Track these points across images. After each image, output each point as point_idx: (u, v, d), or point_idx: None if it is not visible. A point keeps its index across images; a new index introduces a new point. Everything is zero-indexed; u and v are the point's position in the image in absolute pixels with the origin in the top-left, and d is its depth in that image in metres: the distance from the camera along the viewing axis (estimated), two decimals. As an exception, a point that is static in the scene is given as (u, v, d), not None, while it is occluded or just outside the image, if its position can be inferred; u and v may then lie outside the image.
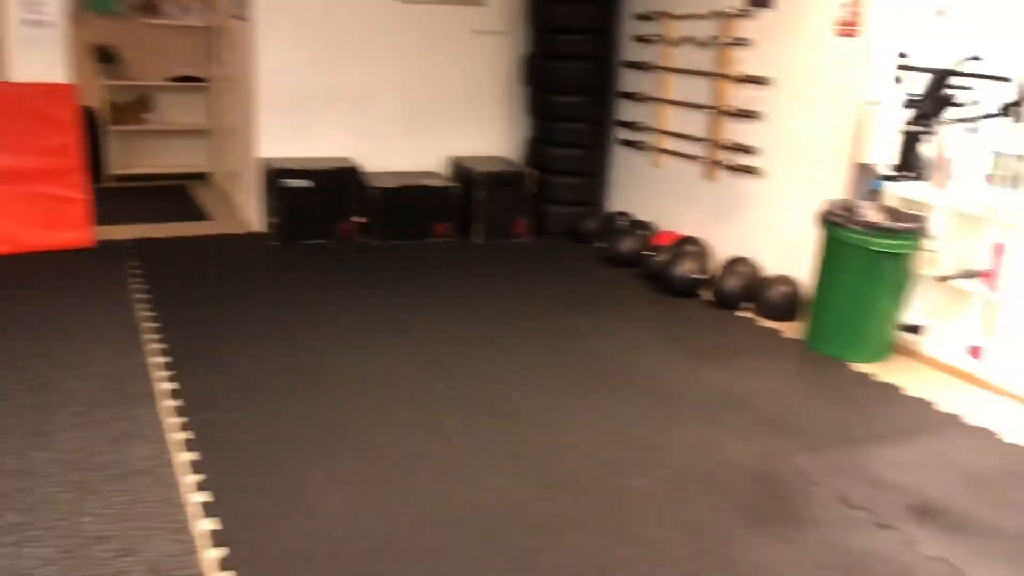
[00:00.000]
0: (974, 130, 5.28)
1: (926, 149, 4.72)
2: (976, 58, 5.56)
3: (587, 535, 2.87)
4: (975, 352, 4.36)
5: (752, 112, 5.32)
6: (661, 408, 3.84)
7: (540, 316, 4.89)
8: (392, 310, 4.86)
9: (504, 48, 6.66)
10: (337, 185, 6.07)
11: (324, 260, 5.74)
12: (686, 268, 5.33)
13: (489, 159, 6.68)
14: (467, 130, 6.73)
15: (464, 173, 6.41)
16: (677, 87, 5.95)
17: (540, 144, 6.63)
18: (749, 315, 5.07)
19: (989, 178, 4.25)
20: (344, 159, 6.24)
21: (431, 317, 4.78)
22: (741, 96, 5.41)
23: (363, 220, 6.14)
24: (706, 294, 5.28)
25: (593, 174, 6.68)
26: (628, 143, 6.45)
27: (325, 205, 6.04)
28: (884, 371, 4.36)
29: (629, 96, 6.37)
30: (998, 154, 4.23)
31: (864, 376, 4.31)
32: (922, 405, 4.03)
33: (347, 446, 3.35)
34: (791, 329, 4.85)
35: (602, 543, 2.83)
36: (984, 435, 3.76)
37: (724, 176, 5.62)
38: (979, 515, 3.11)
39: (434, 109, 6.58)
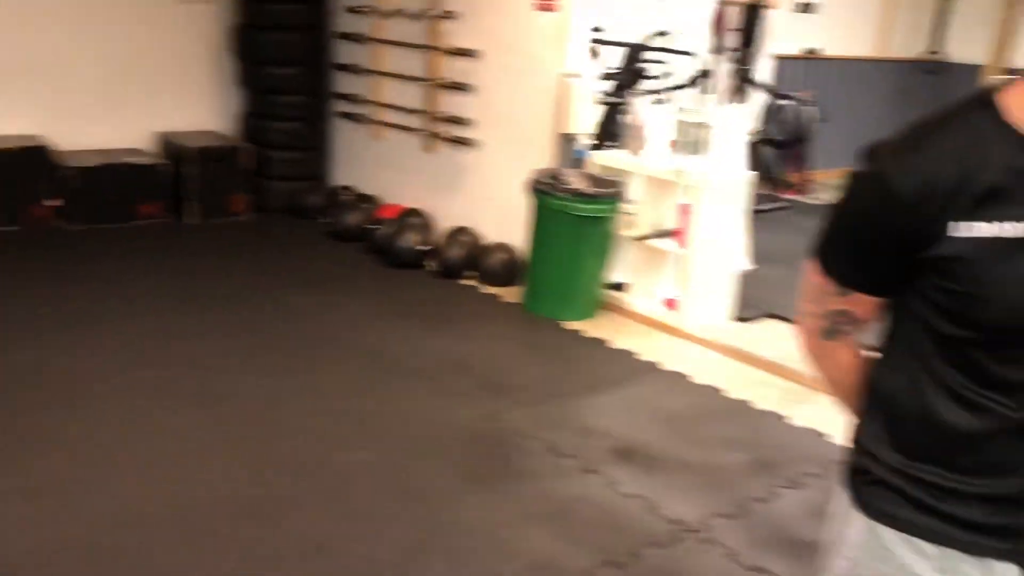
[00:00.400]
0: (664, 100, 5.75)
1: (623, 119, 5.06)
2: (663, 33, 6.03)
3: (306, 516, 2.83)
4: (670, 304, 4.77)
5: (464, 84, 5.44)
6: (385, 379, 3.86)
7: (262, 296, 4.74)
8: (90, 298, 4.50)
9: (212, 18, 6.32)
10: (24, 166, 5.50)
11: (9, 248, 5.20)
12: (410, 240, 5.38)
13: (201, 134, 6.33)
14: (176, 104, 6.34)
15: (173, 149, 6.04)
16: (392, 59, 5.95)
17: (256, 118, 6.38)
18: (472, 283, 5.21)
19: (673, 144, 4.63)
20: (31, 137, 5.66)
21: (137, 303, 4.48)
22: (453, 68, 5.51)
23: (57, 203, 5.62)
24: (430, 265, 5.36)
25: (313, 148, 6.54)
26: (347, 116, 6.37)
27: (11, 188, 5.46)
28: (593, 327, 4.66)
29: (345, 68, 6.28)
30: (681, 122, 4.61)
31: (575, 333, 4.58)
32: (626, 356, 4.35)
33: (37, 448, 3.07)
34: (511, 294, 5.04)
35: (322, 522, 2.81)
36: (678, 379, 4.13)
37: (442, 148, 5.72)
38: (673, 452, 3.42)
39: (138, 83, 6.13)
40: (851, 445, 1.38)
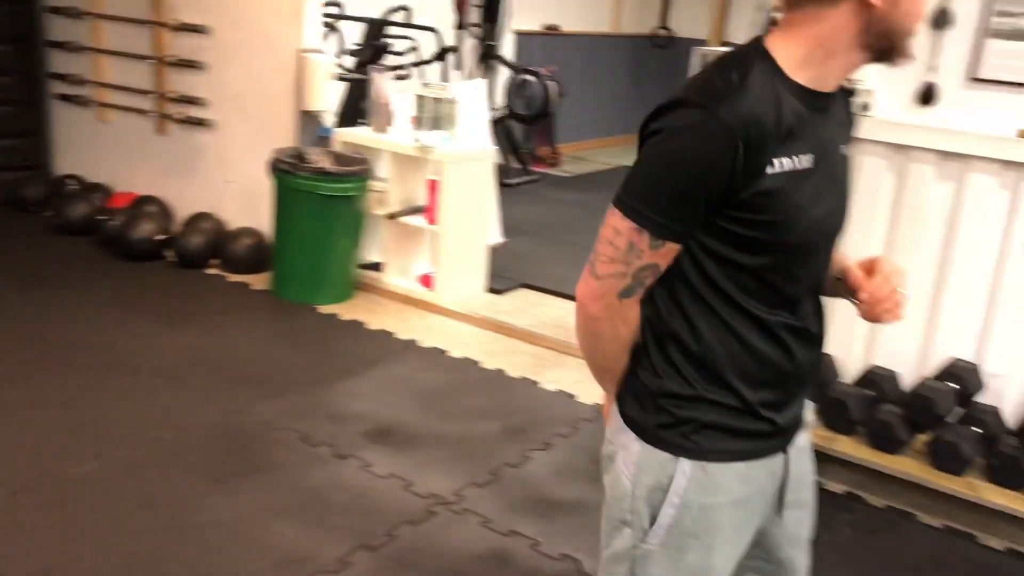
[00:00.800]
0: (409, 76, 5.71)
1: (368, 95, 4.97)
2: (403, 8, 5.98)
3: (26, 542, 2.56)
4: (426, 280, 4.77)
5: (195, 62, 5.12)
6: (118, 381, 3.57)
7: (-30, 301, 4.24)
8: None
9: None
10: None
11: None
12: (146, 230, 5.01)
13: None
14: None
15: None
16: (113, 35, 5.49)
17: (-43, 102, 5.69)
18: (217, 272, 4.94)
19: (415, 120, 4.60)
20: None
21: None
22: (181, 45, 5.17)
23: None
24: (170, 255, 5.03)
25: (31, 134, 5.93)
26: (67, 98, 5.82)
27: None
28: (348, 310, 4.57)
29: (60, 45, 5.72)
30: (424, 98, 4.59)
31: (330, 317, 4.46)
32: (383, 336, 4.30)
33: None
34: (259, 281, 4.83)
35: (44, 543, 2.55)
36: (435, 355, 4.13)
37: (176, 130, 5.36)
38: (428, 428, 3.41)
39: None
40: (642, 402, 1.40)
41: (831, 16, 1.26)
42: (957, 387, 3.03)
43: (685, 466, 1.36)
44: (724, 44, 3.36)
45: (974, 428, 2.99)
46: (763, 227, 1.28)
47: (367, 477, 3.04)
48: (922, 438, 3.09)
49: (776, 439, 1.43)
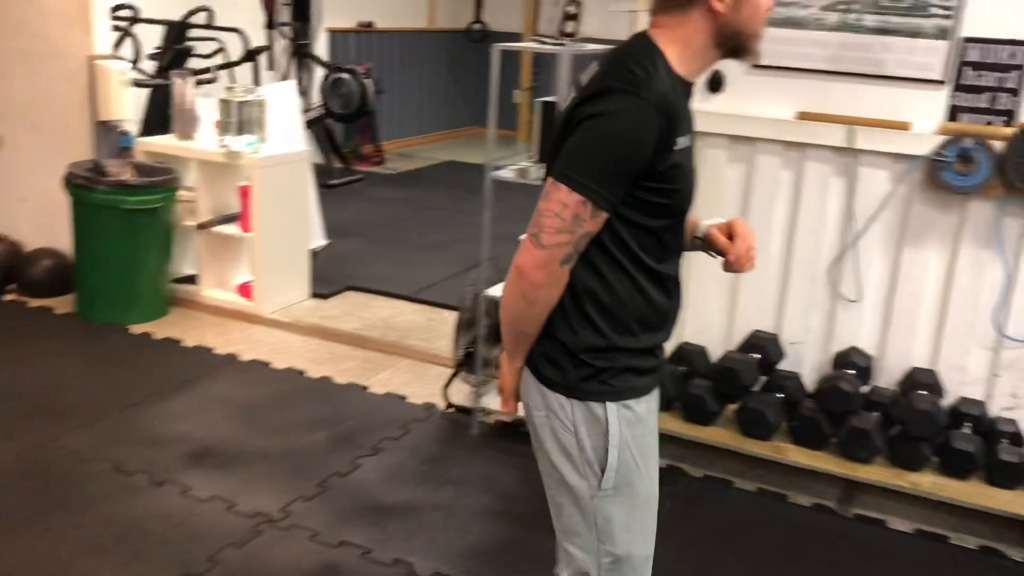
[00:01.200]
0: (214, 79, 5.50)
1: (171, 101, 4.74)
2: (204, 9, 5.75)
3: None
4: (245, 291, 4.61)
5: (-29, 72, 4.73)
6: (-100, 427, 3.26)
7: None
8: None
9: None
10: None
11: None
12: (-72, 257, 4.59)
13: None
14: None
15: None
16: None
17: None
18: (14, 297, 4.59)
19: (219, 125, 4.43)
20: None
21: None
22: (-45, 54, 4.76)
23: None
24: (-41, 283, 4.63)
25: None
26: None
27: None
28: (163, 327, 4.35)
29: None
30: (229, 102, 4.42)
31: (143, 337, 4.24)
32: (201, 352, 4.12)
33: None
34: (64, 304, 4.53)
35: None
36: (258, 368, 4.00)
37: (-43, 147, 4.94)
38: (251, 445, 3.30)
39: None
40: (560, 362, 1.58)
41: (689, 21, 1.52)
42: (760, 357, 3.21)
43: (612, 409, 1.59)
44: (536, 37, 3.40)
45: (777, 395, 3.19)
46: (670, 194, 1.53)
47: (187, 502, 2.91)
48: (732, 407, 3.26)
49: (658, 373, 1.70)
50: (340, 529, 2.81)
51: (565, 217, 1.46)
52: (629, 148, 1.45)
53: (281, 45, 7.46)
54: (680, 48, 1.53)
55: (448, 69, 9.70)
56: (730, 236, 1.72)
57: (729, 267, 1.71)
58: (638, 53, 1.52)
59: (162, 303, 4.54)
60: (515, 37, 9.28)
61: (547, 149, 1.68)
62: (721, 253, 1.72)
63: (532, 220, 1.50)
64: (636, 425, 1.62)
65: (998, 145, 2.84)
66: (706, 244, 1.76)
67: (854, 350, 3.17)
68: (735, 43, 1.56)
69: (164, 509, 2.87)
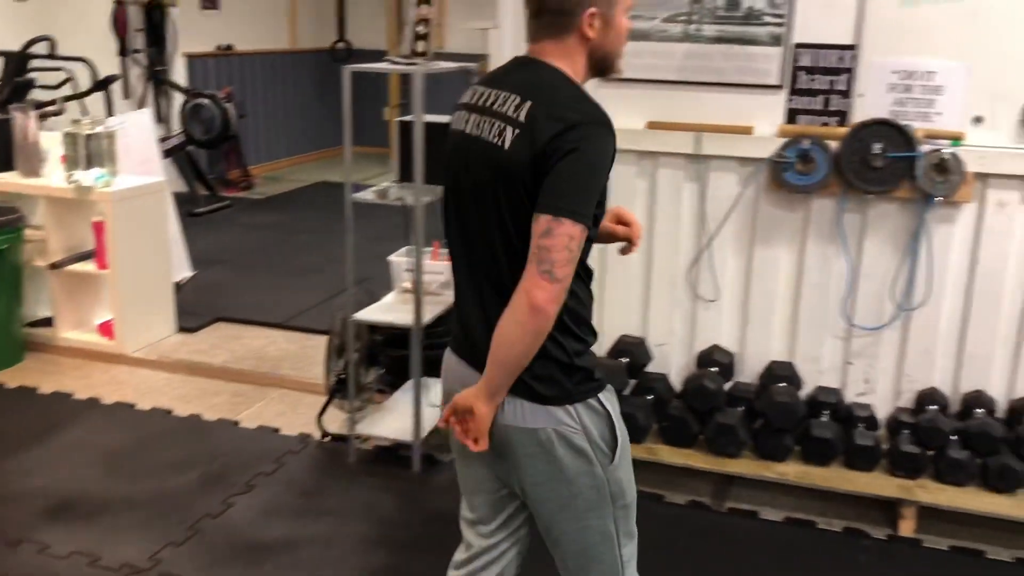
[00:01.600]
0: (60, 111, 5.25)
1: (12, 137, 4.49)
2: (46, 38, 5.50)
3: None
4: (106, 330, 4.41)
5: None
6: None
7: None
8: None
9: None
10: None
11: None
12: None
13: None
14: None
15: None
16: None
17: None
18: None
19: (64, 159, 4.23)
20: None
21: None
22: None
23: None
24: None
25: None
26: None
27: None
28: (16, 375, 4.12)
29: None
30: (75, 135, 4.22)
31: (-6, 387, 4.01)
32: (59, 399, 3.92)
33: None
34: (-96, 358, 4.23)
35: None
36: (121, 411, 3.83)
37: None
38: (115, 493, 3.15)
39: None
40: (557, 377, 1.67)
41: (568, 45, 1.67)
42: (628, 361, 3.27)
43: (603, 396, 1.72)
44: (389, 58, 3.36)
45: (647, 397, 3.25)
46: (603, 203, 1.67)
47: (44, 561, 2.74)
48: (605, 414, 3.30)
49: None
50: (214, 573, 2.71)
51: (573, 248, 1.56)
52: (604, 172, 1.61)
53: (136, 72, 7.21)
54: (569, 71, 1.67)
55: (315, 89, 9.56)
56: (620, 223, 1.93)
57: (628, 251, 1.95)
58: (564, 81, 1.66)
59: (16, 349, 4.30)
60: (380, 55, 9.21)
61: (482, 178, 1.71)
62: (620, 239, 1.95)
63: (537, 258, 1.55)
64: (616, 404, 1.77)
65: (834, 145, 2.98)
66: (607, 236, 1.94)
67: (716, 348, 3.27)
68: (604, 64, 1.73)
69: (18, 570, 2.70)
